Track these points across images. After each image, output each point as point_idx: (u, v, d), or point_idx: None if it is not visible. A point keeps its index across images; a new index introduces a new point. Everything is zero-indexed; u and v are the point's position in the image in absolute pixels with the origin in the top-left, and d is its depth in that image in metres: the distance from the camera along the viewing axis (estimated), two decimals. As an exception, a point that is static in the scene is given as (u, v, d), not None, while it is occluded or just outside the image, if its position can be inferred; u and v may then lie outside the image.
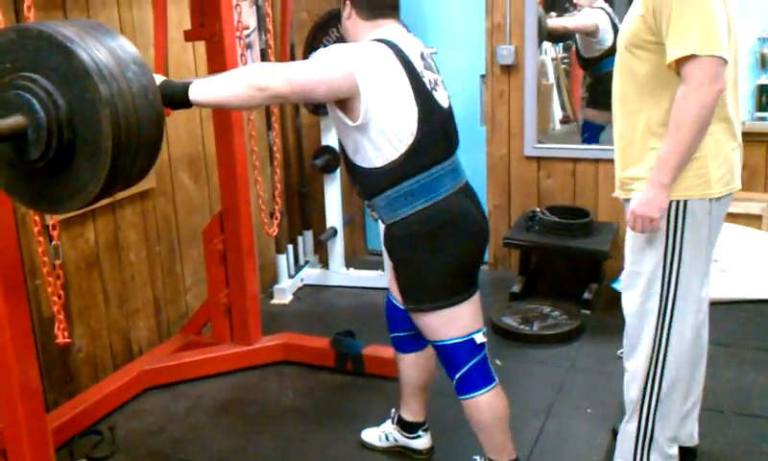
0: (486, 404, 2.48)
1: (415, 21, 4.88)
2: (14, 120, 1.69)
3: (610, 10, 4.84)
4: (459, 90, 4.93)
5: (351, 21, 2.42)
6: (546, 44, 5.14)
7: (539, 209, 4.53)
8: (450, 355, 2.46)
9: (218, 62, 3.42)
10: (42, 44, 1.69)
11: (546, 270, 4.74)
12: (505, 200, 4.90)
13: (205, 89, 2.07)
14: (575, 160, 4.69)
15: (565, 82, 5.46)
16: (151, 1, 3.29)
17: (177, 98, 2.06)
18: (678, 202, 2.30)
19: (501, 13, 4.63)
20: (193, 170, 4.14)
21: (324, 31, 4.46)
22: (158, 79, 2.06)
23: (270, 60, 3.68)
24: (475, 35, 4.79)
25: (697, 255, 2.36)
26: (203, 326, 3.94)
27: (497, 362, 3.63)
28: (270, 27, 3.70)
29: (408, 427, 2.96)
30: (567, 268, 4.67)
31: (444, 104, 2.40)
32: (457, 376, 2.46)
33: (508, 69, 4.69)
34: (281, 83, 2.09)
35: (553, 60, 5.35)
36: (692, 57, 2.13)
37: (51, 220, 2.77)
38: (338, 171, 4.75)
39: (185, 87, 2.07)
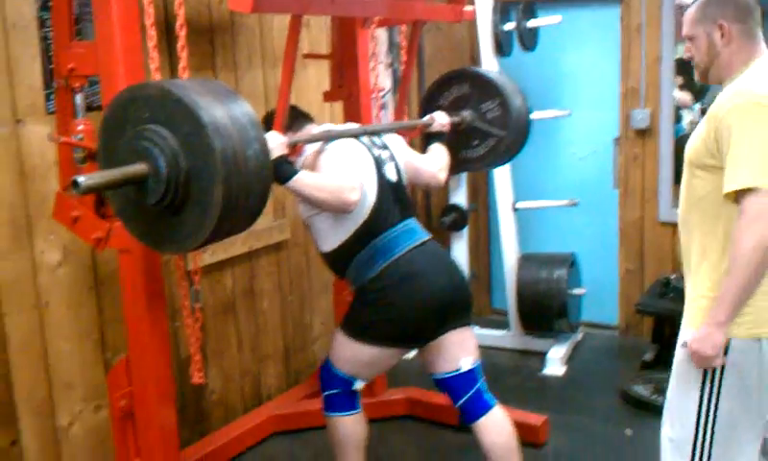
0: (342, 425, 2.81)
1: (550, 84, 4.90)
2: (140, 167, 1.91)
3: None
4: (591, 152, 4.89)
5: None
6: (683, 110, 5.00)
7: (673, 276, 4.37)
8: (326, 376, 2.81)
9: (354, 121, 3.55)
10: (180, 110, 1.88)
11: (680, 339, 4.54)
12: (638, 265, 4.77)
13: (304, 182, 2.48)
14: (713, 227, 4.50)
15: (704, 146, 5.27)
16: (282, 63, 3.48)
17: (281, 180, 2.44)
18: None
19: (636, 78, 4.58)
20: (326, 224, 4.26)
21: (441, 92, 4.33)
22: (276, 139, 2.42)
23: (403, 119, 3.77)
24: (609, 98, 4.74)
25: (736, 411, 2.06)
26: (329, 376, 4.00)
27: (627, 432, 3.50)
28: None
29: None
30: (703, 338, 4.45)
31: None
32: (323, 394, 2.82)
33: (642, 133, 4.61)
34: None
35: (691, 123, 5.20)
36: (752, 189, 1.91)
37: (193, 265, 2.94)
38: (465, 229, 4.77)
39: (291, 176, 2.45)
